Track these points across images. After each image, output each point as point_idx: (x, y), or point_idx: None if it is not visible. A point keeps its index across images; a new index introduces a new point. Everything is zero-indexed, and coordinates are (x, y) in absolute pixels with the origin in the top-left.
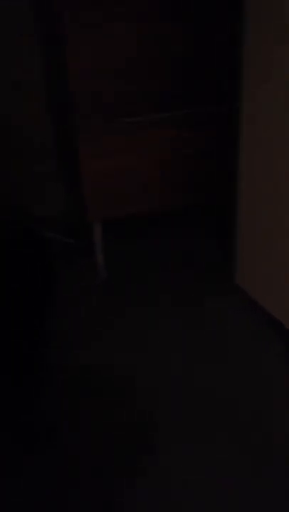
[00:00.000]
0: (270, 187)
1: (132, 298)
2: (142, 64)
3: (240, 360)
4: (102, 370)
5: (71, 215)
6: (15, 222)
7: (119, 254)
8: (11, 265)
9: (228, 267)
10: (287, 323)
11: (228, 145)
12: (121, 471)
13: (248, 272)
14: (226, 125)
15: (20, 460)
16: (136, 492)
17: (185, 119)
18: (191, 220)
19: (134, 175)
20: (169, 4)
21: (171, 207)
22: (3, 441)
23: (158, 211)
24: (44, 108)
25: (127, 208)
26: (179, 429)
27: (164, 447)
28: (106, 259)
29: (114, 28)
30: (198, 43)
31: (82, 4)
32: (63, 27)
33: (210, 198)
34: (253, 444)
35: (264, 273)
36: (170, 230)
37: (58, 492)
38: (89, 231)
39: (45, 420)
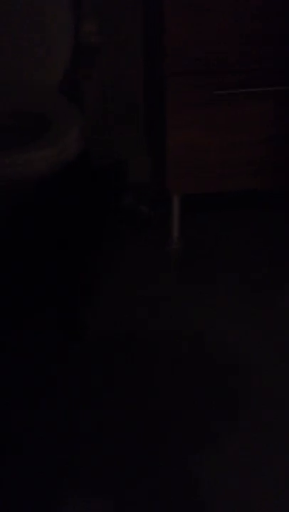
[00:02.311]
0: None
1: (202, 271)
2: (242, 33)
3: None
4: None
5: (152, 183)
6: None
7: (197, 226)
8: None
9: None
10: None
11: None
12: None
13: None
14: None
15: None
16: None
17: (284, 95)
18: (280, 204)
19: (220, 151)
20: None
21: (256, 188)
22: None
23: (242, 191)
24: (140, 72)
25: (209, 184)
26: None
27: None
28: (183, 230)
29: None
30: None
31: None
32: None
33: None
34: None
35: None
36: (256, 211)
37: None
38: (168, 201)
39: None
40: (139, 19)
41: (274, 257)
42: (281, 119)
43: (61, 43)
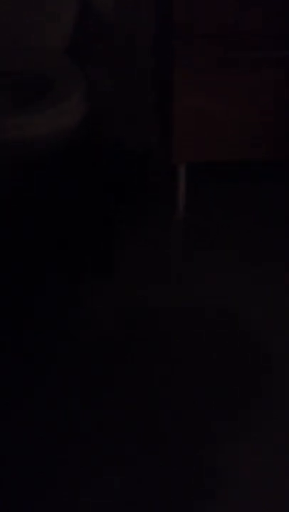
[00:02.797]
0: None
1: (206, 242)
2: None
3: None
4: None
5: (158, 152)
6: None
7: (203, 196)
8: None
9: None
10: None
11: None
12: None
13: None
14: None
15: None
16: None
17: None
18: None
19: (226, 117)
20: None
21: (264, 158)
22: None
23: (253, 160)
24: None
25: (215, 153)
26: None
27: None
28: (188, 200)
29: None
30: None
31: None
32: None
33: None
34: None
35: None
36: (264, 181)
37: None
38: (173, 171)
39: None
40: None
41: (277, 231)
42: None
43: (67, 5)
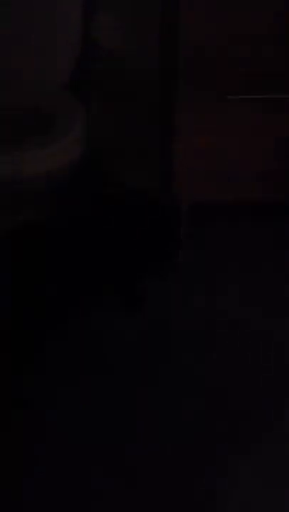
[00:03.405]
0: None
1: (205, 282)
2: (261, 38)
3: None
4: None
5: (158, 190)
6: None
7: (207, 235)
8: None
9: None
10: None
11: None
12: None
13: None
14: None
15: None
16: None
17: None
18: None
19: (228, 156)
20: None
21: (272, 199)
22: None
23: (258, 202)
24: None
25: (221, 195)
26: None
27: None
28: (192, 239)
29: None
30: None
31: None
32: None
33: None
34: None
35: None
36: (270, 220)
37: None
38: (175, 211)
39: None
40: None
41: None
42: None
43: (69, 40)
